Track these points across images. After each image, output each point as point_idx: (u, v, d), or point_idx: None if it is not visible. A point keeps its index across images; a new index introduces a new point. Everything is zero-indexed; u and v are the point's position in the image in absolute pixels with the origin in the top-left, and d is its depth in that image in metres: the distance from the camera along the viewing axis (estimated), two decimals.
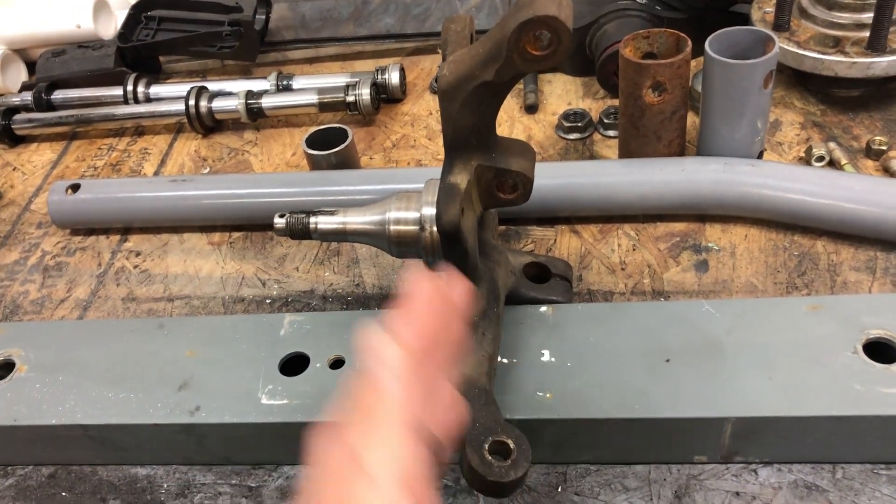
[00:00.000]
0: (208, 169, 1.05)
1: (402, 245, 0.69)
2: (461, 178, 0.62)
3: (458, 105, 0.59)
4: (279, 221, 0.71)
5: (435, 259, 0.68)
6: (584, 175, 0.85)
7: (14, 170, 1.13)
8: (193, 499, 0.69)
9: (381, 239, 0.69)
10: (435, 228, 0.66)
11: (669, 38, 0.84)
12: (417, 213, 0.67)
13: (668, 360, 0.66)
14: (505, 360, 0.68)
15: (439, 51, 0.63)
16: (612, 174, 0.85)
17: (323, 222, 0.70)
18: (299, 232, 0.71)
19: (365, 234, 0.70)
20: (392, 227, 0.68)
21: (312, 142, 0.95)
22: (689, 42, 0.81)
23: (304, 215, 0.71)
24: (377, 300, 0.83)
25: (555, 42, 0.53)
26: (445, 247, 0.63)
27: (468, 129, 0.60)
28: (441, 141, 1.02)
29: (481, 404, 0.60)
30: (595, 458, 0.67)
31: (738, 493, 0.63)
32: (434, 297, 0.45)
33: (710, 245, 0.82)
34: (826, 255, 0.79)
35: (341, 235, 0.71)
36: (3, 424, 0.71)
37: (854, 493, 0.62)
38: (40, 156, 1.15)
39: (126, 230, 0.97)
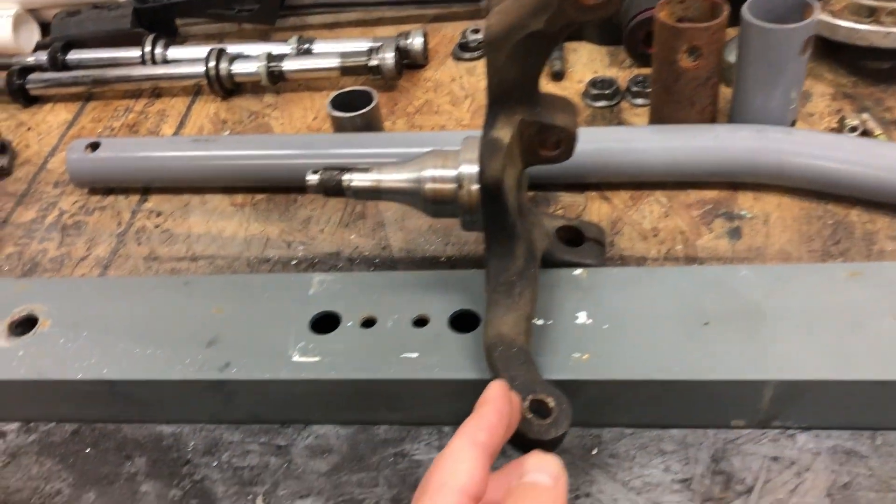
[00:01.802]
0: (228, 131, 1.04)
1: (438, 203, 0.68)
2: (504, 133, 0.60)
3: (504, 56, 0.57)
4: (312, 178, 0.70)
5: (472, 217, 0.67)
6: (616, 140, 0.84)
7: (28, 130, 1.11)
8: (221, 457, 0.69)
9: (415, 197, 0.68)
10: (473, 187, 0.65)
11: (704, 4, 0.83)
12: (455, 170, 0.66)
13: (706, 324, 0.65)
14: (540, 322, 0.67)
15: (483, 3, 0.61)
16: (644, 140, 0.84)
17: (357, 179, 0.69)
18: (332, 189, 0.69)
19: (399, 192, 0.69)
20: (428, 185, 0.67)
21: (336, 104, 0.93)
22: (725, 7, 0.80)
23: (337, 172, 0.69)
24: (404, 263, 0.82)
25: None
26: (486, 204, 0.62)
27: (513, 82, 0.59)
28: (466, 107, 1.01)
29: (519, 363, 0.59)
30: (630, 421, 0.66)
31: (776, 458, 0.63)
32: (503, 398, 0.51)
33: (742, 213, 0.81)
34: (861, 224, 0.78)
35: (374, 193, 0.69)
36: (28, 379, 0.70)
37: (895, 459, 0.61)
38: (55, 116, 1.13)
39: (146, 190, 0.96)
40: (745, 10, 0.79)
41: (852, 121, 0.87)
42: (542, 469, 0.47)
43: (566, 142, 0.62)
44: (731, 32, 0.84)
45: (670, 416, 0.65)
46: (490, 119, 0.62)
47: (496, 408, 0.50)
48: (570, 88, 1.00)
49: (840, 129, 0.87)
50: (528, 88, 0.60)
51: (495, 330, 0.62)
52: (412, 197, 0.68)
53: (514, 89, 0.60)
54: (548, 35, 0.56)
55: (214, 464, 0.68)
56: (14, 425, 0.73)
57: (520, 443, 0.55)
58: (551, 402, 0.56)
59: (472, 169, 0.65)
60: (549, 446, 0.54)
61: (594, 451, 0.65)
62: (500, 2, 0.60)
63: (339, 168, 0.70)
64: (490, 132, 0.61)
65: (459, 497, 0.44)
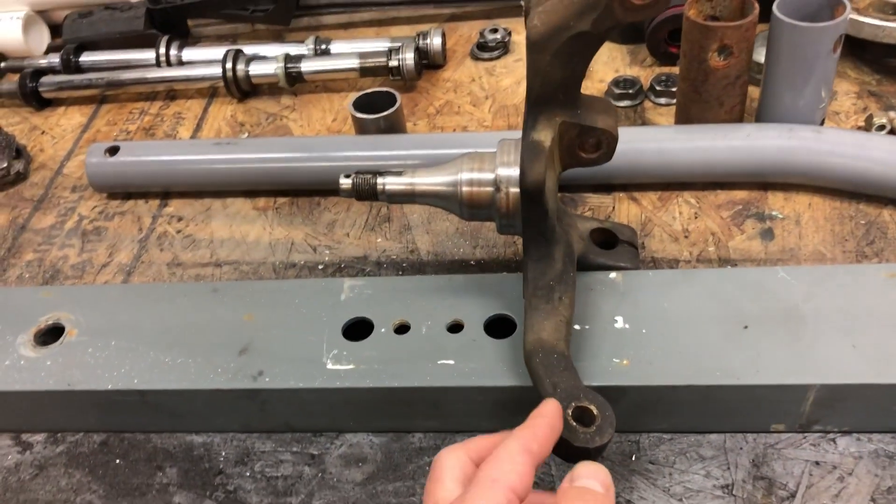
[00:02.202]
0: (247, 134, 1.02)
1: (474, 207, 0.67)
2: (545, 136, 0.59)
3: (548, 57, 0.56)
4: (345, 182, 0.69)
5: (509, 221, 0.66)
6: (644, 141, 0.83)
7: (42, 133, 1.10)
8: (254, 466, 0.68)
9: (451, 201, 0.67)
10: (512, 190, 0.64)
11: (734, 2, 0.82)
12: (492, 173, 0.65)
13: (745, 327, 0.65)
14: (577, 327, 0.66)
15: (522, 3, 0.60)
16: (673, 140, 0.83)
17: (391, 183, 0.68)
18: (366, 192, 0.68)
19: (434, 196, 0.68)
20: (464, 189, 0.66)
21: (358, 106, 0.92)
22: (756, 5, 0.79)
23: (370, 175, 0.68)
24: (433, 267, 0.81)
25: None
26: (526, 208, 0.61)
27: (556, 84, 0.58)
28: (487, 108, 1.01)
29: (560, 369, 0.58)
30: (670, 427, 0.65)
31: (817, 463, 0.62)
32: (556, 415, 0.52)
33: (773, 213, 0.81)
34: (894, 224, 0.78)
35: (409, 197, 0.69)
36: (57, 389, 0.68)
37: None
38: (69, 119, 1.12)
39: (166, 195, 0.95)
40: (776, 9, 0.78)
41: (880, 119, 0.86)
42: (594, 477, 0.49)
43: (607, 143, 0.62)
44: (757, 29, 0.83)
45: (709, 421, 0.65)
46: (530, 121, 0.61)
47: (549, 423, 0.51)
48: (592, 88, 0.99)
49: (868, 127, 0.87)
50: (570, 90, 0.59)
51: (535, 336, 0.61)
52: (447, 200, 0.68)
53: (556, 91, 0.59)
54: (594, 36, 0.55)
55: (247, 474, 0.67)
56: (41, 436, 0.72)
57: (564, 451, 0.54)
58: (595, 409, 0.55)
59: (510, 172, 0.64)
60: (594, 454, 0.53)
61: (633, 458, 0.64)
62: (538, 3, 0.59)
63: (372, 172, 0.69)
64: (531, 134, 0.60)
65: (509, 494, 0.45)
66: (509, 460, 0.47)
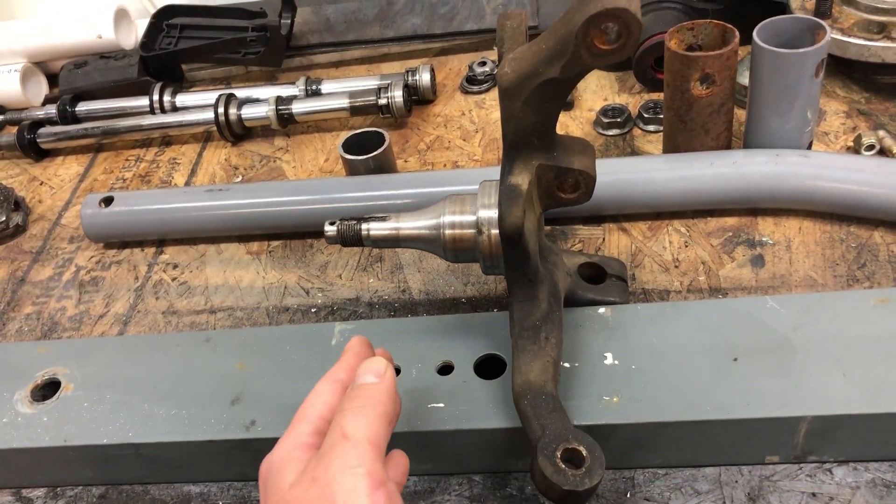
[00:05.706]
0: (240, 177, 1.03)
1: (457, 250, 0.67)
2: (522, 179, 0.60)
3: (520, 103, 0.57)
4: (330, 229, 0.69)
5: (493, 263, 0.66)
6: (633, 171, 0.83)
7: (41, 184, 1.11)
8: None
9: (435, 244, 0.68)
10: (493, 231, 0.64)
11: (715, 30, 0.82)
12: (474, 216, 0.65)
13: (735, 359, 0.65)
14: (566, 365, 0.66)
15: (495, 48, 0.61)
16: (661, 169, 0.83)
17: (375, 228, 0.69)
18: (351, 239, 0.69)
19: (418, 240, 0.68)
20: (447, 232, 0.66)
21: (348, 146, 0.93)
22: (737, 33, 0.80)
23: (355, 222, 0.69)
24: (424, 306, 0.81)
25: (624, 35, 0.52)
26: (507, 250, 0.62)
27: (530, 128, 0.58)
28: (477, 141, 1.01)
29: (549, 411, 0.58)
30: (664, 462, 0.65)
31: (814, 494, 0.61)
32: (360, 343, 0.60)
33: (764, 239, 0.80)
34: (885, 246, 0.77)
35: (393, 241, 0.69)
36: (53, 445, 0.69)
37: None
38: (67, 169, 1.13)
39: (161, 242, 0.96)
40: (756, 35, 0.78)
41: (869, 139, 0.86)
42: (369, 371, 0.54)
43: (585, 184, 0.62)
44: (741, 52, 0.83)
45: (703, 455, 0.64)
46: (507, 165, 0.61)
47: (354, 352, 0.58)
48: (581, 117, 1.00)
49: (857, 147, 0.86)
50: (544, 133, 0.59)
51: (523, 377, 0.61)
52: (432, 244, 0.68)
53: (530, 135, 0.59)
54: (563, 82, 0.55)
55: None
56: (40, 491, 0.73)
57: (555, 494, 0.54)
58: (584, 451, 0.55)
59: (490, 214, 0.64)
60: (584, 497, 0.53)
61: (628, 495, 0.64)
62: (510, 49, 0.59)
63: (356, 218, 0.70)
64: (508, 178, 0.60)
65: (317, 423, 0.52)
66: (315, 395, 0.54)
